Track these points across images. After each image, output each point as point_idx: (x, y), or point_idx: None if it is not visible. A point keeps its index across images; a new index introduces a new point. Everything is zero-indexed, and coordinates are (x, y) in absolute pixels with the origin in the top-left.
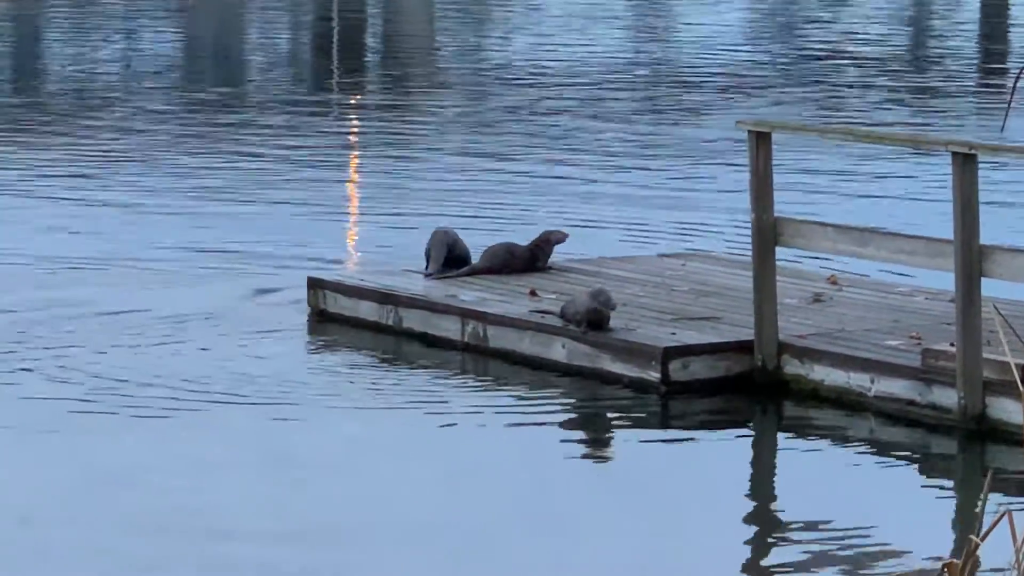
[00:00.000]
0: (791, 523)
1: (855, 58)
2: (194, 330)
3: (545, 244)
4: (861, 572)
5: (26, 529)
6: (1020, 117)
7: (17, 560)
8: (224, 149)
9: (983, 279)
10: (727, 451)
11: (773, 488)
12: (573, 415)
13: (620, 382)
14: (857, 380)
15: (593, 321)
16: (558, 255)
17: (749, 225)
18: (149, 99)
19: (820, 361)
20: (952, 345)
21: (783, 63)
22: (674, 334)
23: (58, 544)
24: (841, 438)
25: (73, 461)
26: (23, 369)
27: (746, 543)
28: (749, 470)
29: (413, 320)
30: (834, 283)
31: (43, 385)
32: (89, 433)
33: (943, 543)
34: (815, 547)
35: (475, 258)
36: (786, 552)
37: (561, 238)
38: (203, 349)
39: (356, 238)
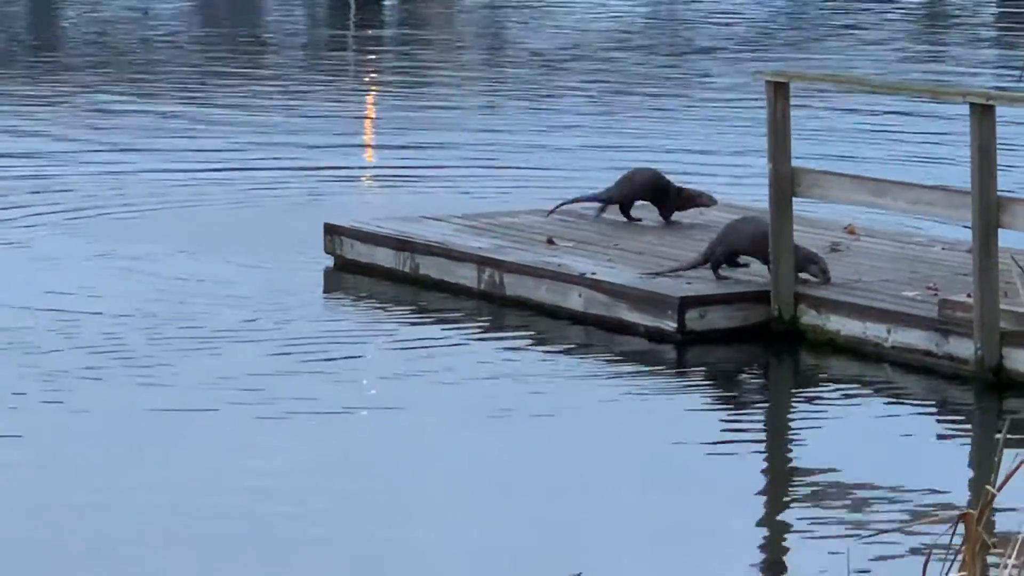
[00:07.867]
0: (806, 473)
1: (876, 8)
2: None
3: (688, 198)
4: (877, 522)
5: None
6: None
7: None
8: (241, 87)
9: (1000, 230)
10: (743, 401)
11: (789, 438)
12: (589, 364)
13: (637, 331)
14: (874, 330)
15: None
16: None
17: (766, 174)
18: (166, 44)
19: (837, 311)
20: (969, 296)
21: (804, 13)
22: (691, 283)
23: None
24: (857, 389)
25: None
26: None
27: (761, 492)
28: (765, 420)
29: (429, 267)
30: (851, 232)
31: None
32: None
33: (959, 494)
34: (830, 497)
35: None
36: (801, 501)
37: (706, 203)
38: (229, 297)
39: (373, 183)
